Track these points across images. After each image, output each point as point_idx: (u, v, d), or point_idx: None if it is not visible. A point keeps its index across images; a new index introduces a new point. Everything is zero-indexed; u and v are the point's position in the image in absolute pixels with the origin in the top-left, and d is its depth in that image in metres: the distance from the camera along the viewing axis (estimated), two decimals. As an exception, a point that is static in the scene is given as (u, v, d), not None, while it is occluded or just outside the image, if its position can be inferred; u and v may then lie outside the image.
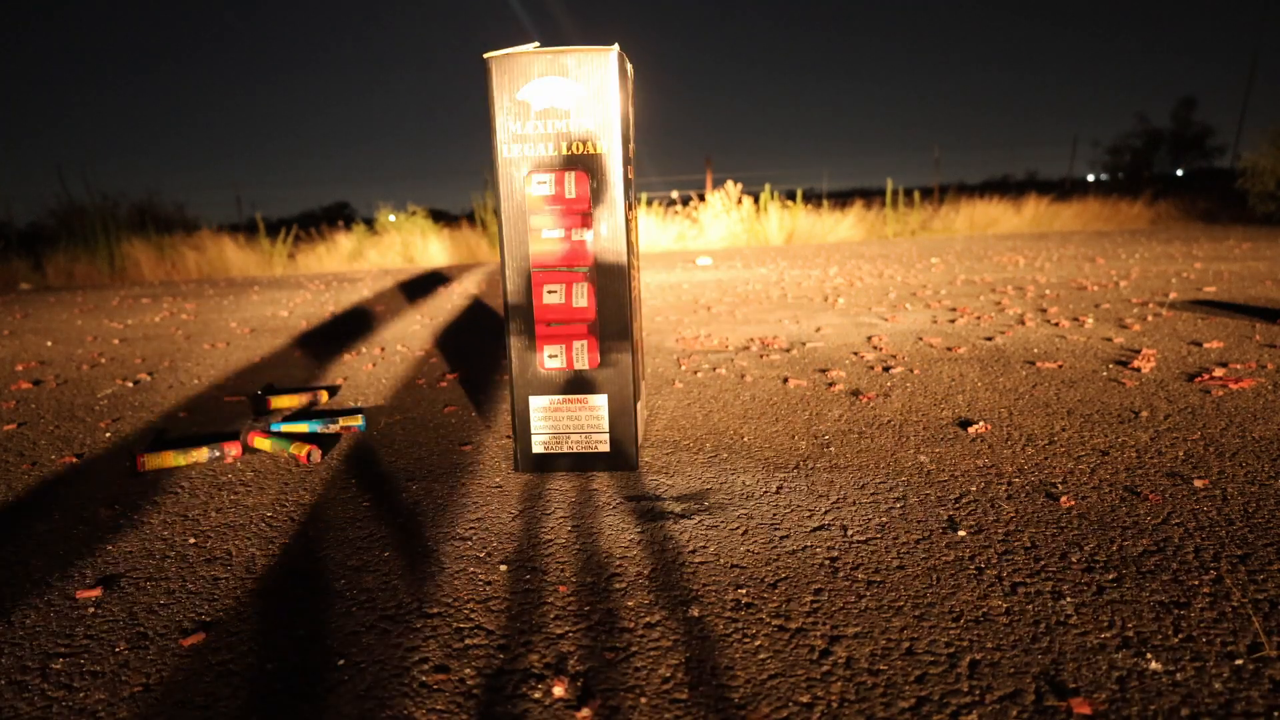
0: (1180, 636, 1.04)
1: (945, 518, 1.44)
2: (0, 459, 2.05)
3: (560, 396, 1.72)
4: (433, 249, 10.27)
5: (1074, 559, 1.26)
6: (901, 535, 1.38)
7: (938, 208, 12.36)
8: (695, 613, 1.15)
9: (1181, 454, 1.71)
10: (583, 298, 1.68)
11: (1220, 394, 2.16)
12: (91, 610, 1.23)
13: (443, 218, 12.27)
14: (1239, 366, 2.47)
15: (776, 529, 1.42)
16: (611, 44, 1.57)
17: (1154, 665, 0.98)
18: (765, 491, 1.61)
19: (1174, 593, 1.15)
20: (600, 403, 1.72)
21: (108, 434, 2.26)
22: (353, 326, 4.34)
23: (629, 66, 1.71)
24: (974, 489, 1.57)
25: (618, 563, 1.32)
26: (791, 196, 11.63)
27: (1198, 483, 1.55)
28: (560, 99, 1.58)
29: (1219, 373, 2.38)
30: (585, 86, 1.57)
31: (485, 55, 1.58)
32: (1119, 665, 0.98)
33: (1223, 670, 0.96)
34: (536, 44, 1.57)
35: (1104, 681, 0.95)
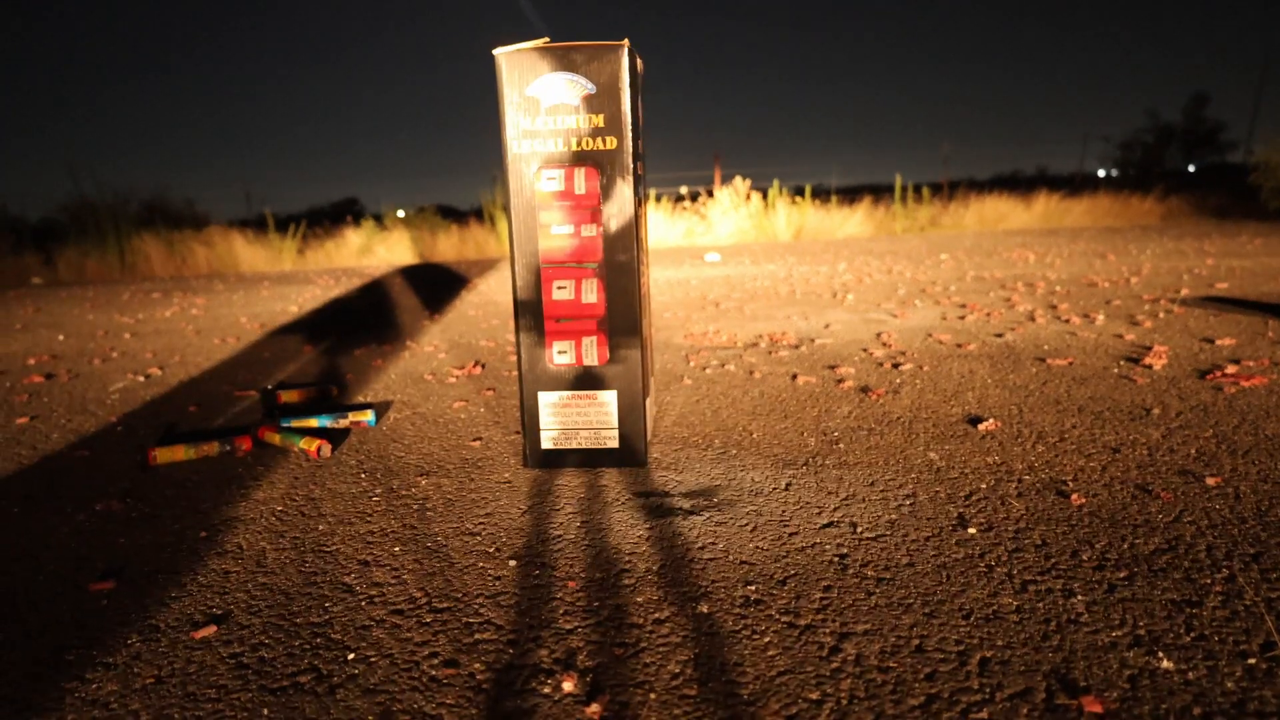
0: (1192, 635, 1.03)
1: (955, 515, 1.44)
2: (13, 452, 2.07)
3: (569, 392, 1.72)
4: (441, 245, 10.28)
5: (1085, 557, 1.26)
6: (911, 532, 1.37)
7: (947, 204, 12.31)
8: (704, 609, 1.15)
9: (1194, 451, 1.70)
10: (592, 294, 1.68)
11: (1233, 391, 2.15)
12: (104, 603, 1.24)
13: (451, 214, 12.28)
14: (1251, 363, 2.45)
15: (786, 526, 1.42)
16: (622, 39, 1.57)
17: (1166, 664, 0.97)
18: (774, 488, 1.61)
19: (1186, 591, 1.14)
20: (609, 399, 1.72)
21: (119, 428, 2.28)
22: (361, 322, 4.35)
23: (639, 62, 1.71)
24: (984, 486, 1.57)
25: (626, 558, 1.32)
26: (800, 192, 11.60)
27: (1210, 480, 1.54)
28: (570, 95, 1.58)
29: (1231, 370, 2.36)
30: (595, 82, 1.57)
31: (495, 51, 1.58)
32: (1130, 664, 0.98)
33: (1235, 669, 0.96)
34: (547, 39, 1.57)
35: (1115, 680, 0.95)
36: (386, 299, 5.48)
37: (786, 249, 8.96)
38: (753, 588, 1.21)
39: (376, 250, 10.22)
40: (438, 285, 6.30)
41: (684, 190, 11.77)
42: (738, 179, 11.08)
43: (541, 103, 1.59)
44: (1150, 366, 2.48)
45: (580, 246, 1.66)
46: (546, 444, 1.76)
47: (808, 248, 9.03)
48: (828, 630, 1.09)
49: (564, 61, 1.57)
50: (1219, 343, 2.78)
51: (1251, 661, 0.97)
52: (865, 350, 2.95)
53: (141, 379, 2.97)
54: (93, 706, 0.98)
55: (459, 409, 2.34)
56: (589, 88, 1.58)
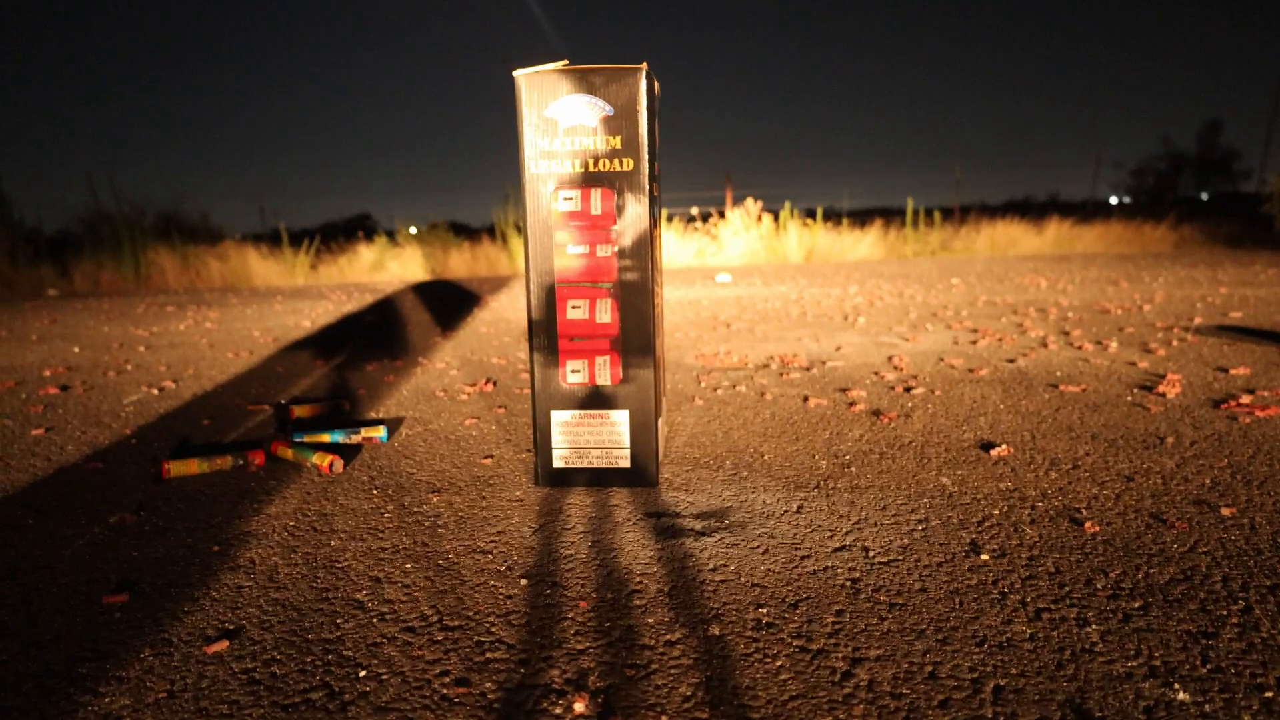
0: (1209, 667, 1.02)
1: (968, 541, 1.43)
2: (28, 463, 2.08)
3: (582, 411, 1.72)
4: (453, 262, 10.34)
5: (1099, 585, 1.25)
6: (924, 557, 1.37)
7: (958, 228, 12.32)
8: (716, 631, 1.15)
9: (1208, 481, 1.69)
10: (606, 313, 1.69)
11: (1247, 421, 2.14)
12: (117, 616, 1.25)
13: (463, 231, 12.35)
14: (1266, 393, 2.44)
15: (797, 549, 1.42)
16: (640, 62, 1.58)
17: (1182, 695, 0.97)
18: (786, 510, 1.60)
19: (1202, 622, 1.13)
20: (621, 418, 1.72)
21: (133, 440, 2.29)
22: (374, 338, 4.37)
23: (656, 85, 1.73)
24: (997, 512, 1.56)
25: (638, 579, 1.32)
26: (811, 214, 11.63)
27: (1225, 511, 1.53)
28: (588, 116, 1.59)
29: (1246, 399, 2.35)
30: (613, 104, 1.59)
31: (515, 73, 1.60)
32: (1146, 695, 0.97)
33: (1252, 702, 0.95)
34: (565, 61, 1.59)
35: (1131, 711, 0.94)
36: (399, 315, 5.51)
37: (797, 270, 8.97)
38: (764, 610, 1.20)
39: (389, 266, 10.28)
40: (450, 302, 6.33)
41: (695, 211, 11.82)
42: (749, 200, 11.13)
43: (560, 124, 1.61)
44: (1164, 395, 2.47)
45: (595, 266, 1.67)
46: (558, 462, 1.76)
47: (819, 270, 9.04)
48: (840, 655, 1.08)
49: (583, 83, 1.59)
50: (1233, 372, 2.77)
51: (1269, 695, 0.96)
52: (877, 373, 2.95)
53: (155, 392, 2.99)
54: None
55: (470, 426, 2.35)
56: (607, 109, 1.59)
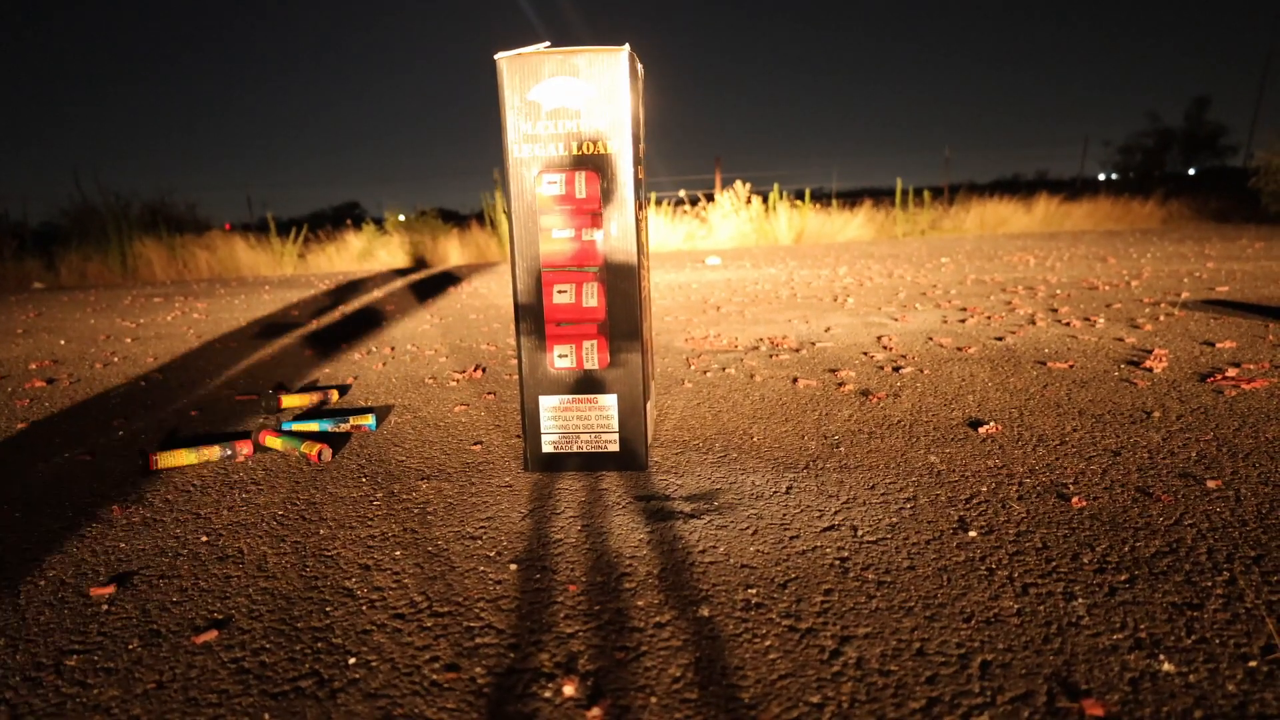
0: (1193, 638, 1.03)
1: (956, 518, 1.44)
2: (15, 456, 2.07)
3: (570, 396, 1.72)
4: (442, 249, 10.29)
5: (1086, 560, 1.26)
6: (912, 535, 1.37)
7: (948, 207, 12.31)
8: (705, 612, 1.15)
9: (1194, 454, 1.70)
10: (593, 298, 1.68)
11: (1233, 394, 2.15)
12: (105, 607, 1.24)
13: (452, 218, 12.28)
14: (1252, 367, 2.45)
15: (786, 529, 1.42)
16: (622, 44, 1.57)
17: (1167, 667, 0.97)
18: (775, 491, 1.61)
19: (1187, 594, 1.14)
20: (610, 403, 1.72)
21: (120, 432, 2.28)
22: (363, 326, 4.35)
23: (639, 66, 1.71)
24: (984, 489, 1.57)
25: (627, 562, 1.32)
26: (800, 196, 11.60)
27: (1211, 484, 1.54)
28: (571, 99, 1.58)
29: (1232, 373, 2.36)
30: (596, 86, 1.58)
31: (496, 56, 1.58)
32: (1131, 667, 0.98)
33: (1236, 672, 0.96)
34: (547, 44, 1.57)
35: (1116, 683, 0.95)
36: (387, 303, 5.49)
37: (787, 252, 8.96)
38: (754, 591, 1.21)
39: (377, 254, 10.22)
40: (438, 289, 6.30)
41: (684, 194, 11.78)
42: (738, 183, 11.10)
43: (542, 107, 1.59)
44: (1151, 370, 2.48)
45: (581, 250, 1.66)
46: (547, 448, 1.76)
47: (808, 251, 9.04)
48: (829, 633, 1.09)
49: (564, 66, 1.57)
50: (1219, 346, 2.78)
51: (1252, 664, 0.97)
52: (866, 354, 2.95)
53: (143, 383, 2.97)
54: (94, 712, 0.98)
55: (460, 413, 2.34)
56: (590, 92, 1.58)
